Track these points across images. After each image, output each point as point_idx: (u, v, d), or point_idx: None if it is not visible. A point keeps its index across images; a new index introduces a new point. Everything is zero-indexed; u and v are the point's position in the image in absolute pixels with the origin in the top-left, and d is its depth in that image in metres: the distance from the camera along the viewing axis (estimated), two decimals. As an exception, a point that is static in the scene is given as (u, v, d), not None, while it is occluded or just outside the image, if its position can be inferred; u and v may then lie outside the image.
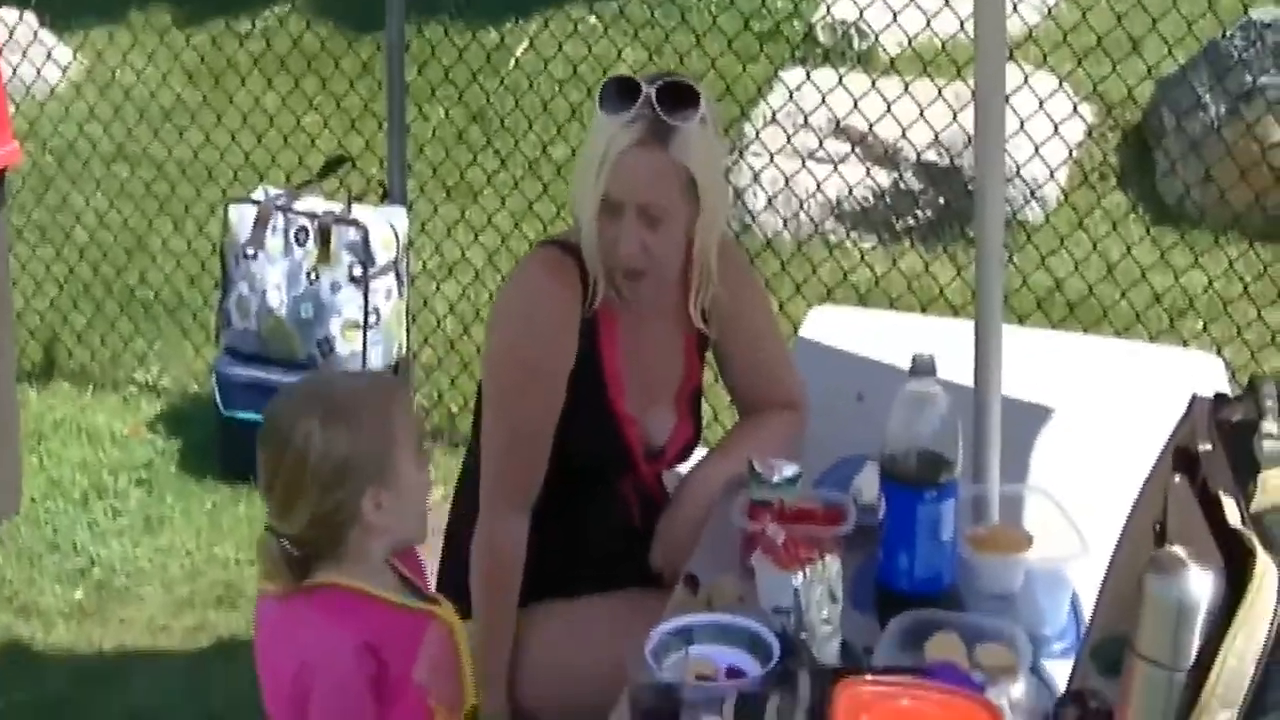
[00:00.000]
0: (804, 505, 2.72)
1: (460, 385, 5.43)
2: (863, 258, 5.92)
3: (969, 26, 5.67)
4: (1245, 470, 1.74)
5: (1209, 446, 1.84)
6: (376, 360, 4.99)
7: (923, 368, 2.46)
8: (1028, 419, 3.17)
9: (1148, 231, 5.85)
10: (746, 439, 3.06)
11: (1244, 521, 1.67)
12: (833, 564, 2.35)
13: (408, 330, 5.21)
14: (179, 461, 5.27)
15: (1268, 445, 1.73)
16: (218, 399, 5.09)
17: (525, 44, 7.18)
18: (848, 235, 6.12)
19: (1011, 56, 6.02)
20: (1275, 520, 1.64)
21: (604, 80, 2.84)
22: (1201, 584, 1.64)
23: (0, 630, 4.48)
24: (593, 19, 7.23)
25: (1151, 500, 1.92)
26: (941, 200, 6.09)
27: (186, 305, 6.01)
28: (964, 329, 2.99)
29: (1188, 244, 5.70)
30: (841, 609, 2.37)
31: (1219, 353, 4.71)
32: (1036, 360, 3.43)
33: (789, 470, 2.76)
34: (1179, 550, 1.65)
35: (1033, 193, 5.93)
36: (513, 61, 7.08)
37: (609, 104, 2.79)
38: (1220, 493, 1.73)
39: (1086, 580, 2.33)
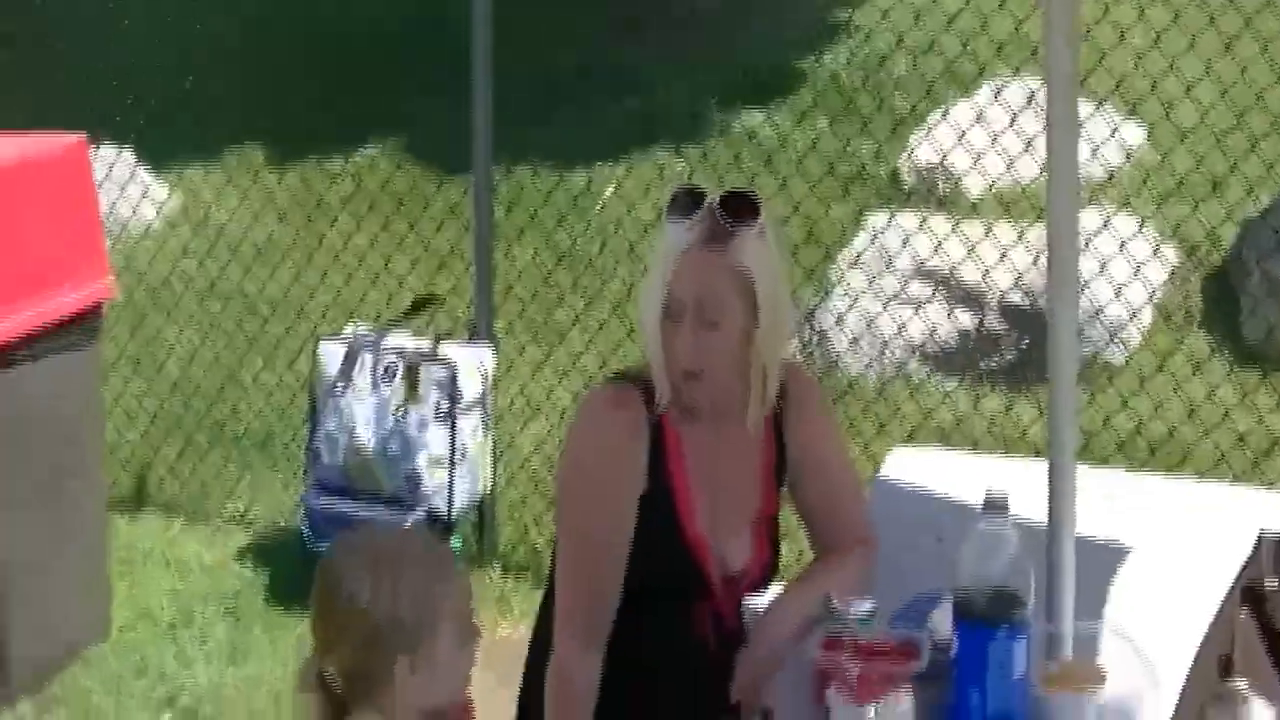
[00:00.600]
0: (879, 641, 2.74)
1: (544, 523, 5.49)
2: (945, 398, 5.94)
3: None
4: (1309, 608, 1.77)
5: (1275, 584, 1.87)
6: (461, 496, 5.07)
7: (995, 505, 2.49)
8: (1103, 559, 3.16)
9: (1231, 372, 5.85)
10: (825, 575, 3.08)
11: (1307, 658, 1.70)
12: (905, 699, 2.37)
13: (493, 467, 5.27)
14: (266, 593, 5.36)
15: (1331, 582, 1.75)
16: (305, 531, 5.18)
17: (612, 187, 7.29)
18: (929, 377, 6.16)
19: (1094, 199, 6.10)
20: (1337, 656, 1.67)
21: (673, 189, 2.94)
22: (1263, 716, 1.67)
23: (89, 756, 4.55)
24: (679, 164, 7.33)
25: (1219, 636, 1.94)
26: (1024, 342, 6.12)
27: (276, 439, 6.12)
28: (1043, 469, 3.01)
29: (1271, 385, 5.70)
30: (912, 746, 2.39)
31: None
32: (1115, 501, 3.44)
33: (865, 606, 2.79)
34: (1241, 684, 1.68)
35: (1114, 334, 5.95)
36: (599, 205, 7.20)
37: (675, 211, 2.89)
38: (1283, 628, 1.75)
39: (1158, 717, 2.35)
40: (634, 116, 7.89)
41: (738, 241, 2.87)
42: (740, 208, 2.89)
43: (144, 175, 7.68)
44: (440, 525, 5.05)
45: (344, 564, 2.52)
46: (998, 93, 6.80)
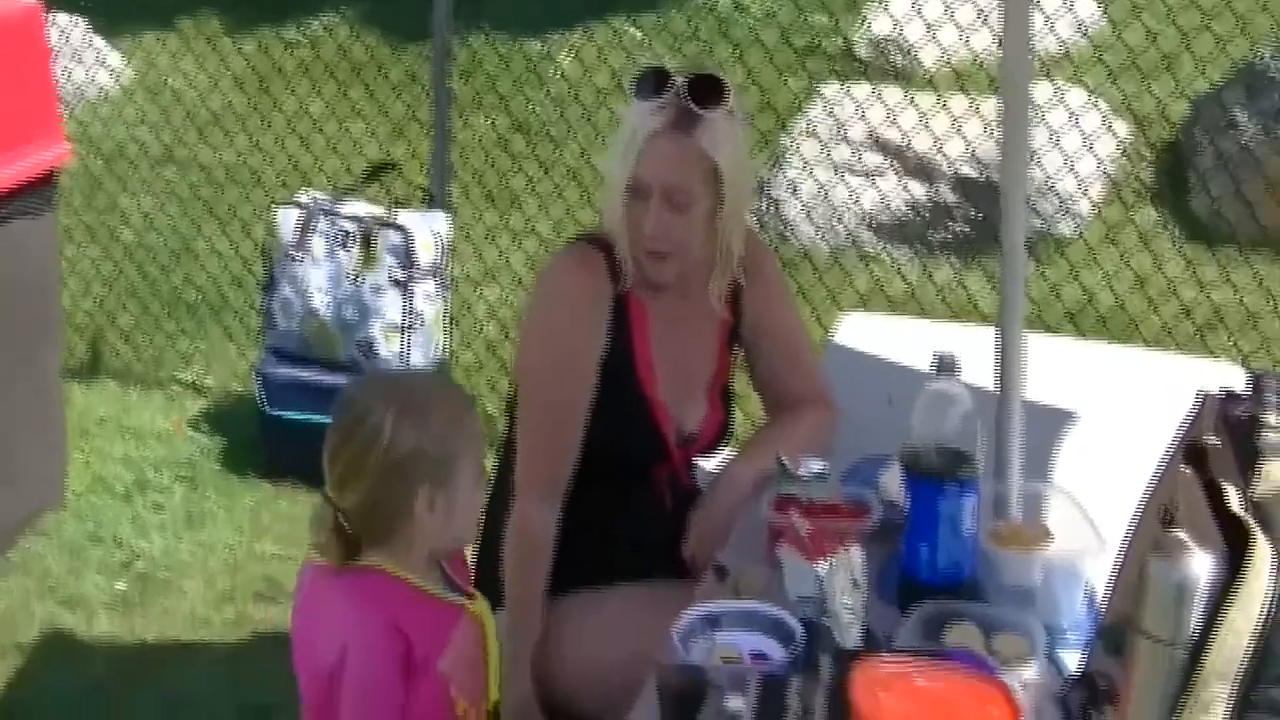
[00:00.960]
0: (830, 501, 2.79)
1: (500, 388, 5.51)
2: (898, 270, 5.99)
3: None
4: (1250, 462, 1.82)
5: (1216, 441, 1.92)
6: (417, 362, 5.08)
7: (946, 366, 2.54)
8: (1050, 422, 3.23)
9: (1178, 246, 5.91)
10: (778, 436, 3.13)
11: (1245, 507, 1.75)
12: (856, 553, 2.43)
13: (449, 333, 5.30)
14: (221, 459, 5.38)
15: (1270, 437, 1.80)
16: (261, 398, 5.20)
17: (567, 55, 7.28)
18: (881, 247, 6.19)
19: (1048, 74, 6.12)
20: (1274, 505, 1.72)
21: (639, 69, 2.96)
22: (1201, 565, 1.72)
23: (45, 619, 4.58)
24: (634, 30, 7.31)
25: (1161, 491, 2.00)
26: (976, 213, 6.16)
27: (231, 307, 6.13)
28: (992, 336, 3.06)
29: (1218, 260, 5.76)
30: (865, 598, 2.45)
31: (1246, 366, 4.76)
32: (1062, 368, 3.49)
33: (816, 466, 2.84)
34: (1181, 534, 1.73)
35: (1065, 206, 5.99)
36: (556, 72, 7.18)
37: (642, 91, 2.92)
38: (1224, 482, 1.81)
39: (1102, 574, 2.41)
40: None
41: (705, 125, 2.89)
42: (708, 91, 2.91)
43: (99, 42, 7.61)
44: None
45: (368, 400, 2.56)
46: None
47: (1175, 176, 6.28)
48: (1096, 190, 6.18)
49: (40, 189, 4.70)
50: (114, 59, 7.64)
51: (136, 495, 5.17)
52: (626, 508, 3.12)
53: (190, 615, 4.62)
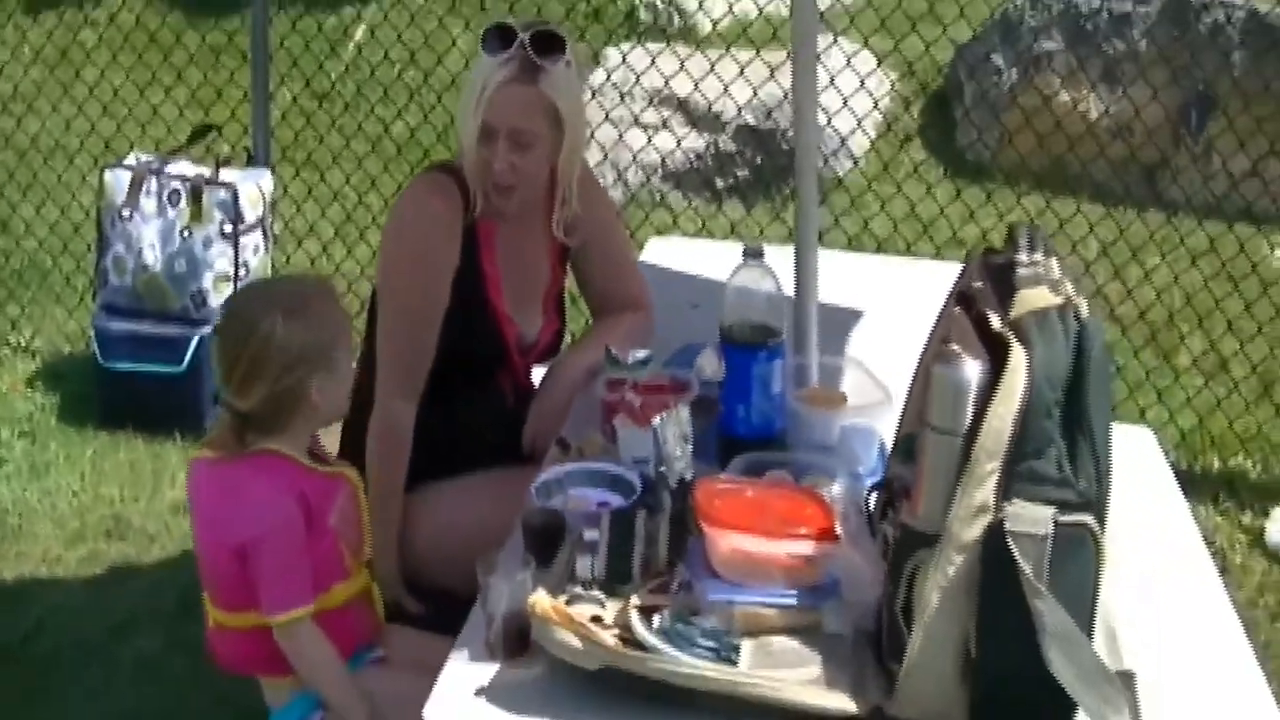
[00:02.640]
0: (654, 380, 3.20)
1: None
2: (690, 205, 6.41)
3: (775, 5, 6.28)
4: (1007, 295, 2.25)
5: (980, 284, 2.36)
6: (246, 310, 5.36)
7: (753, 252, 2.96)
8: (841, 317, 3.69)
9: (948, 176, 6.44)
10: (603, 333, 3.55)
11: (1004, 328, 2.19)
12: (683, 410, 2.83)
13: (273, 283, 5.59)
14: (59, 413, 5.59)
15: (1020, 271, 2.25)
16: (97, 352, 5.44)
17: (362, 30, 7.59)
18: (673, 191, 6.61)
19: (822, 19, 6.60)
20: (1027, 322, 2.16)
21: (486, 27, 3.35)
22: (973, 370, 2.16)
23: (-100, 561, 4.79)
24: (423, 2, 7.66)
25: (939, 330, 2.43)
26: (757, 159, 6.61)
27: (58, 272, 6.33)
28: (785, 253, 3.50)
29: (981, 190, 6.30)
30: (691, 450, 2.85)
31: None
32: (849, 278, 3.95)
33: (641, 353, 3.26)
34: (955, 346, 2.17)
35: (843, 142, 6.46)
36: (355, 49, 7.49)
37: (489, 46, 3.31)
38: (986, 310, 2.24)
39: (891, 427, 2.86)
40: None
41: (546, 74, 3.29)
42: (548, 44, 3.30)
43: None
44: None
45: (254, 309, 2.92)
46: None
47: (943, 118, 6.81)
48: (872, 131, 6.66)
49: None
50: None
51: (-21, 450, 5.37)
52: (474, 409, 3.49)
53: (44, 556, 4.83)
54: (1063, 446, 2.13)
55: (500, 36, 3.29)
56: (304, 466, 2.98)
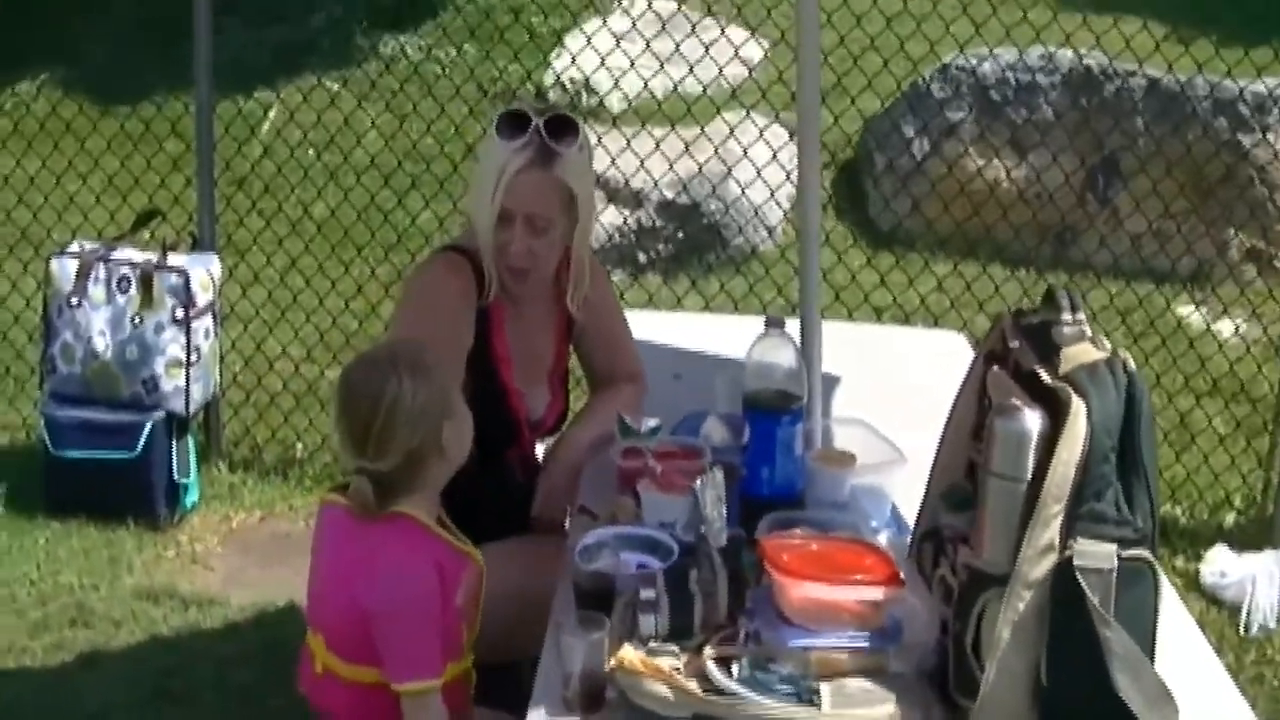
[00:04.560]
0: (667, 448, 3.35)
1: (269, 419, 6.00)
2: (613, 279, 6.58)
3: (686, 83, 6.50)
4: (1051, 352, 2.45)
5: (1017, 344, 2.55)
6: (198, 395, 5.44)
7: (774, 322, 3.13)
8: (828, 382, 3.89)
9: (863, 253, 6.68)
10: (601, 407, 3.70)
11: (1056, 381, 2.38)
12: (718, 473, 2.98)
13: (220, 369, 5.67)
14: (5, 503, 5.56)
15: (1066, 330, 2.44)
16: (46, 440, 5.45)
17: (275, 114, 7.70)
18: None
19: (734, 95, 6.84)
20: (1080, 375, 2.35)
21: (499, 112, 3.48)
22: (1033, 420, 2.35)
23: None
24: (339, 88, 7.79)
25: (967, 399, 2.64)
26: (680, 234, 6.80)
27: (-2, 362, 6.35)
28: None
29: (892, 255, 6.55)
30: (726, 511, 2.99)
31: (967, 333, 5.42)
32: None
33: (652, 422, 3.43)
34: (1015, 400, 2.35)
35: (757, 212, 6.66)
36: (265, 128, 7.59)
37: (504, 131, 3.43)
38: (1034, 367, 2.43)
39: (902, 481, 3.06)
40: (284, 44, 8.34)
41: (562, 160, 3.42)
42: (563, 128, 3.43)
43: None
44: (178, 424, 5.42)
45: (374, 377, 3.00)
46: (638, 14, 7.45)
47: (853, 186, 7.06)
48: (784, 201, 6.88)
49: None
50: None
51: (-71, 545, 5.34)
52: (485, 486, 3.55)
53: (9, 646, 4.82)
54: (1119, 488, 2.33)
55: (515, 122, 3.42)
56: (439, 537, 3.06)
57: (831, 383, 3.80)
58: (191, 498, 5.55)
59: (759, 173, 6.52)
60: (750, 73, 7.43)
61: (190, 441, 5.52)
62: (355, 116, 7.22)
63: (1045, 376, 2.39)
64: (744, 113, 6.78)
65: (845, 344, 4.01)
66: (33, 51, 8.53)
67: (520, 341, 3.61)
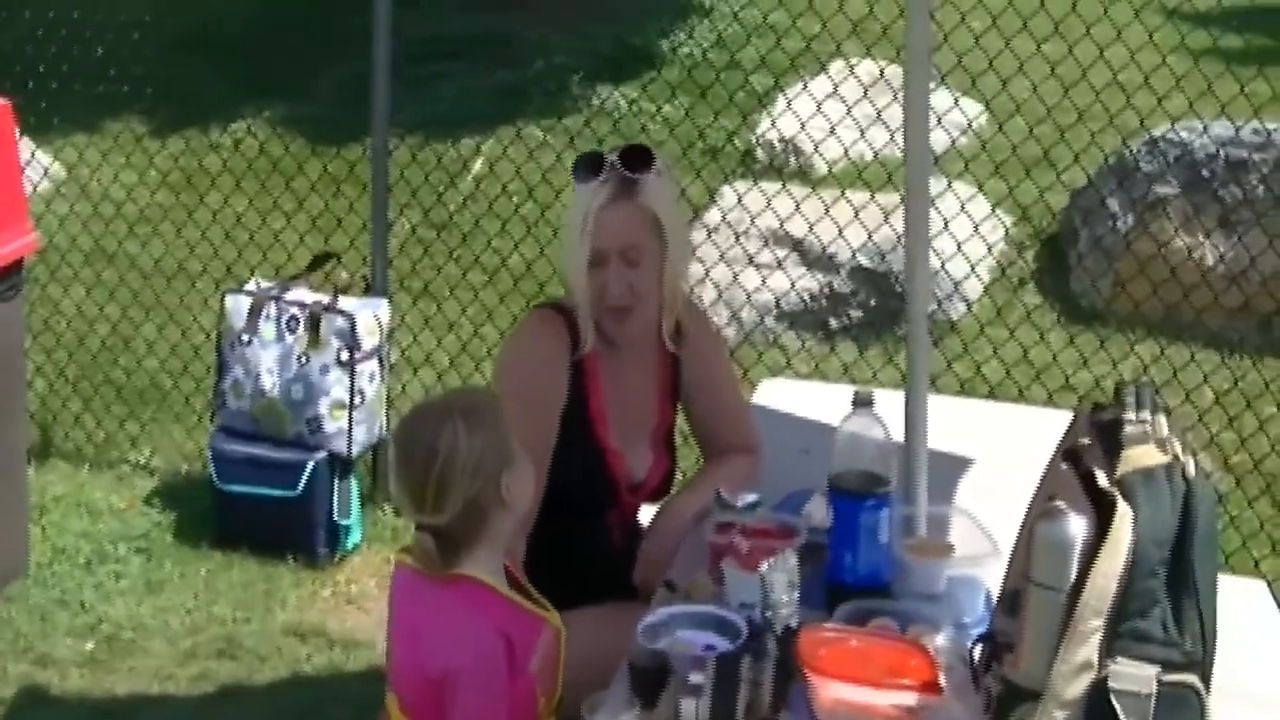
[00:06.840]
0: (762, 525, 3.23)
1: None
2: (804, 345, 6.44)
3: (898, 138, 6.34)
4: (1114, 453, 2.28)
5: (1088, 441, 2.38)
6: (361, 437, 5.46)
7: (863, 400, 2.99)
8: (950, 464, 3.71)
9: (1061, 323, 6.45)
10: (711, 476, 3.59)
11: (1110, 485, 2.21)
12: (791, 556, 2.86)
13: (387, 413, 5.68)
14: (174, 532, 5.70)
15: (1128, 430, 2.27)
16: (213, 473, 5.54)
17: (479, 161, 7.73)
18: (783, 333, 6.65)
19: (937, 163, 6.66)
20: (1133, 480, 2.18)
21: (575, 159, 3.45)
22: (1077, 527, 2.18)
23: (19, 678, 4.89)
24: (545, 137, 7.80)
25: (1046, 486, 2.46)
26: (871, 301, 6.64)
27: (177, 393, 6.47)
28: (891, 399, 3.53)
29: (1095, 336, 6.30)
30: (798, 595, 2.87)
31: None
32: (960, 424, 3.97)
33: (750, 497, 3.31)
34: (1060, 503, 2.19)
35: (956, 287, 6.49)
36: (474, 182, 7.63)
37: (582, 175, 3.41)
38: (1093, 468, 2.27)
39: (998, 578, 2.87)
40: (504, 89, 8.40)
41: (641, 186, 3.37)
42: (638, 158, 3.40)
43: (26, 143, 7.88)
44: (340, 465, 5.44)
45: (428, 426, 2.92)
46: (847, 73, 7.34)
47: (1057, 263, 6.83)
48: (984, 275, 6.69)
49: (10, 275, 5.04)
50: (43, 158, 7.90)
51: (97, 565, 5.47)
52: (581, 549, 3.52)
53: (156, 673, 4.93)
54: (1167, 606, 2.15)
55: (590, 164, 3.40)
56: (508, 601, 2.98)
57: (947, 464, 3.62)
58: (353, 539, 5.57)
59: (959, 246, 6.33)
60: (954, 142, 7.26)
61: (353, 483, 5.55)
62: (555, 168, 7.19)
63: (1101, 479, 2.23)
64: (946, 182, 6.59)
65: (973, 423, 3.85)
66: (266, 85, 8.71)
67: (619, 399, 3.52)
